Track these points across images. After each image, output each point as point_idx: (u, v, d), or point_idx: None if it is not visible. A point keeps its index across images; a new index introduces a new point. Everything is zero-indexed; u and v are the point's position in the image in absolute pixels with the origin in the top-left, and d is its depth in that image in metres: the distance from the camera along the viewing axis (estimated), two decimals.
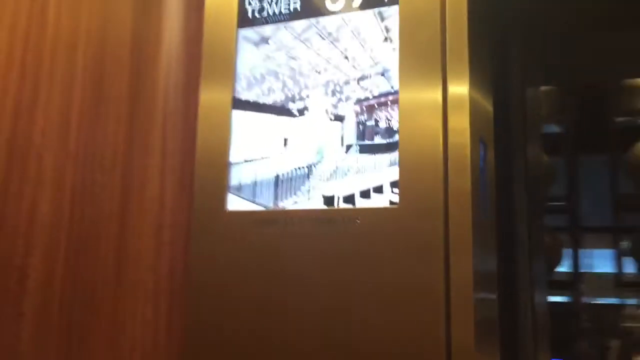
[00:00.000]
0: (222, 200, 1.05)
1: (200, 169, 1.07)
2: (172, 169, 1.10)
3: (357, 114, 0.99)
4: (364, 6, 1.01)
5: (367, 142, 0.97)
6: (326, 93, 1.01)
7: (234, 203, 1.04)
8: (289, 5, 1.07)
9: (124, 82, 1.13)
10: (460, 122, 0.91)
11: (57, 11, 1.18)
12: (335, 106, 1.01)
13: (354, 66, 1.00)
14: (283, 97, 1.05)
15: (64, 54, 1.17)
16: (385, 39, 0.98)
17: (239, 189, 1.05)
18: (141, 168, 1.10)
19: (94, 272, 1.08)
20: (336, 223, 0.96)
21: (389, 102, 0.96)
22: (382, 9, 0.99)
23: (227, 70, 1.09)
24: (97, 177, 1.11)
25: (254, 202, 1.03)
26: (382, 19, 0.99)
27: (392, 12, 0.98)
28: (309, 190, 1.00)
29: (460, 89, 0.91)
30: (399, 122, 0.94)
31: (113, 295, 1.06)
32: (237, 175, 1.05)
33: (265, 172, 1.04)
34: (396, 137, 0.94)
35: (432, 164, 0.91)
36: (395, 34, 0.97)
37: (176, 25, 1.14)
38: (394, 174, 0.93)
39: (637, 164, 2.28)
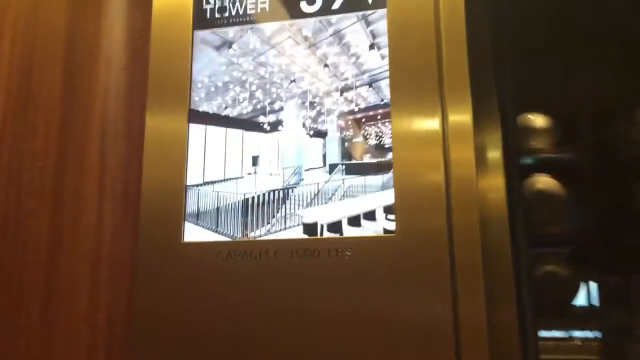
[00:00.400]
0: (178, 230, 0.88)
1: (149, 192, 0.89)
2: (112, 191, 0.91)
3: (341, 129, 0.86)
4: (345, 9, 0.89)
5: (354, 161, 0.85)
6: (303, 105, 0.88)
7: (192, 233, 0.87)
8: (255, 4, 0.93)
9: (56, 83, 0.93)
10: (464, 150, 0.80)
11: None
12: (314, 120, 0.87)
13: (335, 75, 0.88)
14: (251, 109, 0.90)
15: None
16: (372, 46, 0.87)
17: (198, 217, 0.88)
18: (74, 190, 0.90)
19: (16, 322, 0.86)
20: (320, 256, 0.82)
21: (378, 116, 0.85)
22: (367, 12, 0.88)
23: (182, 78, 0.93)
24: (24, 201, 0.90)
25: (217, 231, 0.87)
26: (368, 23, 0.88)
27: (379, 17, 0.87)
28: (285, 217, 0.85)
29: (461, 114, 0.81)
30: (393, 139, 0.83)
31: (40, 355, 0.84)
32: (196, 201, 0.88)
33: (231, 196, 0.88)
34: (389, 156, 0.82)
35: (433, 187, 0.80)
36: (383, 40, 0.86)
37: (118, 21, 0.97)
38: (388, 198, 0.81)
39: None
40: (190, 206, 0.88)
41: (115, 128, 0.93)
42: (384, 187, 0.82)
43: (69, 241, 0.89)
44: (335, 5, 0.90)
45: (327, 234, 0.83)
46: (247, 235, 0.85)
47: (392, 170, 0.82)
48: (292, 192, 0.86)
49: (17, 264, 0.88)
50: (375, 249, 0.80)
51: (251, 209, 0.87)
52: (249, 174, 0.88)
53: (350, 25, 0.88)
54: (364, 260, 0.80)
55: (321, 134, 0.87)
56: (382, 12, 0.87)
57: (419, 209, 0.80)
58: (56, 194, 0.91)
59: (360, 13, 0.88)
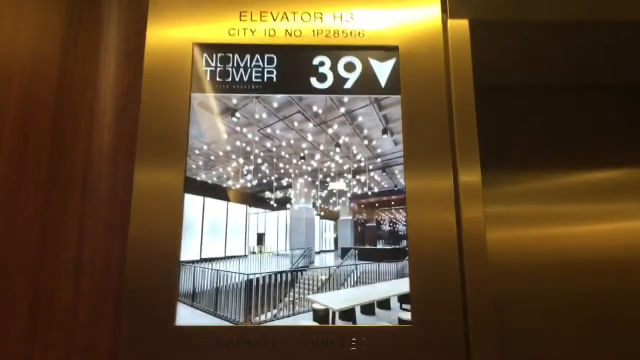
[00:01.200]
0: (169, 312, 0.79)
1: (135, 268, 0.80)
2: (91, 264, 0.80)
3: (353, 212, 0.84)
4: (357, 90, 0.89)
5: (367, 246, 0.83)
6: (313, 184, 0.85)
7: (186, 316, 0.79)
8: (262, 74, 0.90)
9: (46, 139, 0.81)
10: (479, 255, 0.83)
11: None
12: (325, 201, 0.85)
13: (347, 156, 0.87)
14: (256, 183, 0.85)
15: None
16: (385, 131, 0.87)
17: (193, 297, 0.80)
18: (51, 263, 0.78)
19: None
20: (334, 346, 0.78)
21: (392, 202, 0.84)
22: (380, 97, 0.88)
23: (177, 143, 0.86)
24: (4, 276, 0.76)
25: (215, 314, 0.80)
26: (380, 107, 0.88)
27: (392, 102, 0.88)
28: (294, 302, 0.81)
29: (476, 211, 0.84)
30: (408, 227, 0.82)
31: None
32: (191, 279, 0.81)
33: (233, 276, 0.81)
34: (403, 243, 0.82)
35: (450, 277, 0.80)
36: (396, 126, 0.87)
37: (106, 71, 0.87)
38: (403, 286, 0.80)
39: None
40: (184, 285, 0.80)
41: (97, 193, 0.82)
42: (398, 274, 0.81)
43: (43, 324, 0.76)
44: (347, 85, 0.89)
45: (339, 322, 0.79)
46: (250, 320, 0.79)
47: (407, 258, 0.81)
48: (302, 275, 0.82)
49: None
50: (392, 340, 0.78)
51: (255, 291, 0.81)
52: (253, 252, 0.83)
53: (363, 107, 0.88)
54: (380, 352, 0.78)
55: (333, 216, 0.84)
56: (395, 98, 0.88)
57: (436, 299, 0.79)
58: (36, 267, 0.78)
59: (373, 96, 0.89)
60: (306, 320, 0.80)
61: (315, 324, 0.79)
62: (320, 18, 0.92)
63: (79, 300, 0.79)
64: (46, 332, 0.77)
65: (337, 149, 0.87)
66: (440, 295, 0.80)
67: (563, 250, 1.14)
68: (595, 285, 1.12)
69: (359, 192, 0.85)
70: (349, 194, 0.85)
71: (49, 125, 0.84)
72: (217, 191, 0.85)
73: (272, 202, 0.85)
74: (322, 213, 0.84)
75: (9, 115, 0.82)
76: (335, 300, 0.80)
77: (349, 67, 0.90)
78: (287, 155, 0.86)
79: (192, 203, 0.83)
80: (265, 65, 0.90)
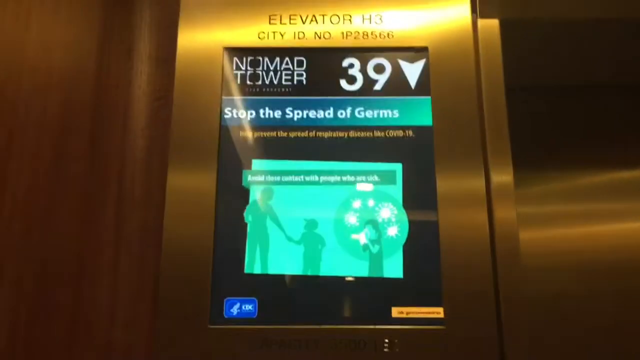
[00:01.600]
0: (204, 314, 0.80)
1: (169, 272, 0.81)
2: (127, 270, 0.82)
3: None
4: (387, 92, 0.89)
5: None
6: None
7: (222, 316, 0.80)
8: (291, 76, 0.90)
9: (83, 144, 0.83)
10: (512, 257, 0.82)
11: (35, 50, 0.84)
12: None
13: None
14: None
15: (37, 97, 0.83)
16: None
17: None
18: (91, 267, 0.80)
19: None
20: (366, 348, 0.78)
21: None
22: (409, 97, 0.88)
23: (209, 146, 0.87)
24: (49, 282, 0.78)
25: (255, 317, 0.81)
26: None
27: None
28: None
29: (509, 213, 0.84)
30: (440, 230, 0.82)
31: None
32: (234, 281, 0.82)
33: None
34: None
35: (483, 276, 0.80)
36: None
37: (138, 78, 0.89)
38: None
39: None
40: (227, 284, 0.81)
41: (132, 196, 0.84)
42: None
43: (83, 327, 0.78)
44: (377, 87, 0.90)
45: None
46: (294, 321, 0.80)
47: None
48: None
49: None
50: (425, 342, 0.78)
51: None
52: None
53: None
54: (413, 354, 0.78)
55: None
56: (426, 99, 0.88)
57: (469, 300, 0.79)
58: (75, 272, 0.80)
59: (403, 98, 0.89)
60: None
61: (348, 326, 0.80)
62: (349, 20, 0.92)
63: (116, 304, 0.81)
64: (85, 335, 0.79)
65: None
66: (473, 297, 0.80)
67: (596, 249, 1.13)
68: (626, 284, 1.11)
69: None
70: None
71: (86, 132, 0.85)
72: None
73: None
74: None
75: (48, 123, 0.84)
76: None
77: (379, 69, 0.90)
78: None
79: None
80: (295, 68, 0.90)
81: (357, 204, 0.84)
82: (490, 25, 0.90)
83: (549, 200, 1.16)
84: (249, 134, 0.88)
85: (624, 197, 1.16)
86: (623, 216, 1.15)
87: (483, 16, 0.91)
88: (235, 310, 0.80)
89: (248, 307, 0.80)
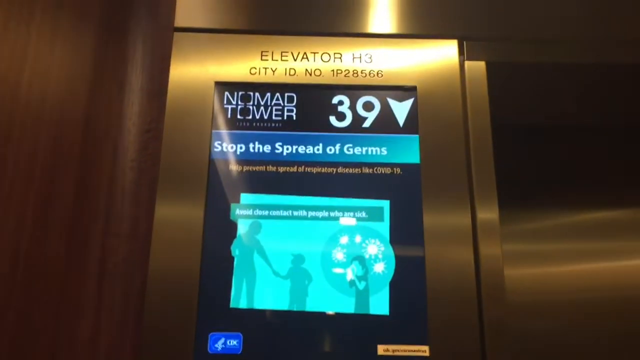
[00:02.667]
0: (188, 349, 0.79)
1: (154, 305, 0.80)
2: (110, 302, 0.81)
3: None
4: (376, 129, 0.90)
5: None
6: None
7: (206, 352, 0.79)
8: (282, 112, 0.91)
9: (72, 175, 0.83)
10: (495, 280, 0.83)
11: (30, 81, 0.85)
12: None
13: None
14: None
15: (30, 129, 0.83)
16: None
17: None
18: (74, 299, 0.79)
19: None
20: None
21: None
22: (398, 135, 0.89)
23: (198, 179, 0.87)
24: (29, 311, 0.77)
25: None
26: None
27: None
28: None
29: (492, 243, 0.85)
30: (427, 266, 0.83)
31: None
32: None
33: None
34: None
35: (468, 312, 0.80)
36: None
37: (130, 109, 0.89)
38: None
39: None
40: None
41: (119, 228, 0.83)
42: None
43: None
44: (366, 124, 0.91)
45: None
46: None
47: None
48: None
49: None
50: None
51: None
52: None
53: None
54: None
55: None
56: (413, 138, 0.89)
57: (454, 335, 0.80)
58: (58, 303, 0.79)
59: (391, 135, 0.90)
60: None
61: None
62: (340, 58, 0.94)
63: (98, 337, 0.80)
64: None
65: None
66: (458, 335, 0.80)
67: (580, 288, 1.14)
68: (616, 324, 1.11)
69: None
70: None
71: (75, 163, 0.85)
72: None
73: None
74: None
75: (39, 154, 0.84)
76: None
77: (368, 107, 0.91)
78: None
79: None
80: (286, 104, 0.92)
81: (344, 239, 0.85)
82: (477, 66, 0.93)
83: (534, 238, 1.17)
84: (238, 167, 0.88)
85: (609, 236, 1.17)
86: (609, 255, 1.16)
87: (470, 58, 0.93)
88: (219, 345, 0.79)
89: (233, 342, 0.80)
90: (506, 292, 0.82)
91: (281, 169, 0.88)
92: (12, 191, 0.80)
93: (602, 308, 1.12)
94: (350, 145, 0.90)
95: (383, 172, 0.88)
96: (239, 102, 0.92)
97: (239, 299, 0.82)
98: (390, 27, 0.96)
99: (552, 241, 1.17)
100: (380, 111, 0.91)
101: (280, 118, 0.91)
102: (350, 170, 0.88)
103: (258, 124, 0.91)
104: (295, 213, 0.86)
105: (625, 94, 1.06)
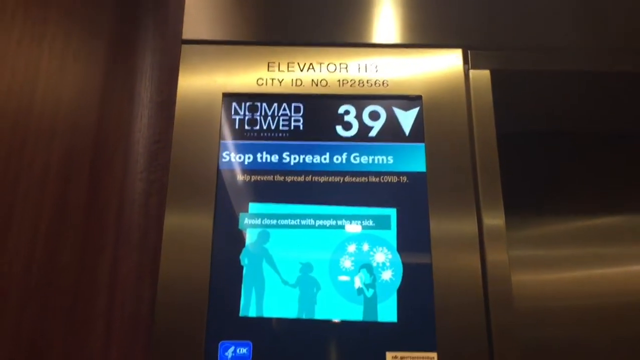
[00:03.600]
0: (199, 356, 0.80)
1: (164, 314, 0.81)
2: (121, 311, 0.82)
3: None
4: (382, 137, 0.91)
5: None
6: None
7: None
8: (288, 122, 0.92)
9: (84, 186, 0.85)
10: (502, 286, 0.83)
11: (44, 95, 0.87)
12: None
13: None
14: None
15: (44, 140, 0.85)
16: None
17: None
18: (85, 310, 0.80)
19: None
20: None
21: None
22: (404, 144, 0.90)
23: (206, 189, 0.88)
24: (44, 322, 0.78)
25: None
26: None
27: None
28: None
29: (498, 250, 0.85)
30: (434, 273, 0.84)
31: None
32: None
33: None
34: None
35: (476, 319, 0.81)
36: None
37: (139, 121, 0.91)
38: None
39: None
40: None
41: (129, 238, 0.85)
42: None
43: None
44: (372, 133, 0.92)
45: None
46: None
47: None
48: None
49: None
50: None
51: None
52: None
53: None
54: None
55: None
56: (419, 146, 0.90)
57: (462, 343, 0.80)
58: (70, 313, 0.80)
59: (397, 144, 0.91)
60: None
61: None
62: (346, 68, 0.95)
63: (110, 346, 0.81)
64: None
65: None
66: (466, 341, 0.81)
67: (588, 294, 1.14)
68: (625, 329, 1.11)
69: None
70: None
71: (87, 175, 0.87)
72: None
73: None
74: None
75: (52, 165, 0.85)
76: None
77: (374, 116, 0.92)
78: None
79: None
80: (292, 114, 0.93)
81: (351, 248, 0.86)
82: (482, 75, 0.94)
83: (541, 244, 1.17)
84: (246, 177, 0.89)
85: (616, 241, 1.18)
86: (616, 260, 1.16)
87: (475, 67, 0.94)
88: (229, 353, 0.80)
89: (242, 350, 0.81)
90: (514, 298, 0.83)
91: (289, 179, 0.89)
92: (27, 201, 0.82)
93: (610, 314, 1.12)
94: (357, 154, 0.90)
95: (389, 180, 0.89)
96: (247, 113, 0.93)
97: (249, 308, 0.82)
98: (395, 37, 0.97)
99: (558, 247, 1.17)
100: (386, 120, 0.92)
101: (287, 128, 0.92)
102: (357, 179, 0.89)
103: (265, 134, 0.92)
104: (303, 222, 0.87)
105: (628, 101, 1.06)
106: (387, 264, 0.85)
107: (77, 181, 0.86)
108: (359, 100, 0.93)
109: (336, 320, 0.82)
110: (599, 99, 1.05)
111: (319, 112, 0.93)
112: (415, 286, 0.84)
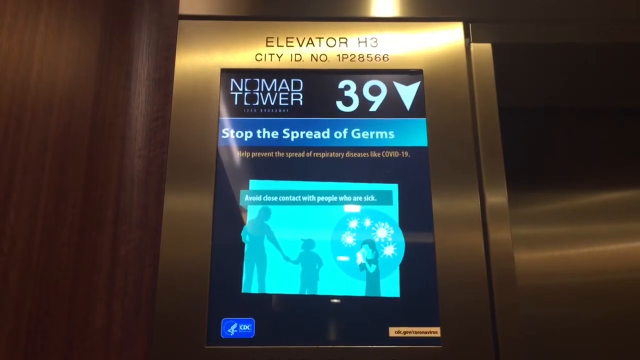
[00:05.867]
0: (201, 335, 0.80)
1: (166, 292, 0.81)
2: (122, 290, 0.81)
3: None
4: (382, 113, 0.90)
5: None
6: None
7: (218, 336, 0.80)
8: (288, 98, 0.91)
9: (80, 168, 0.84)
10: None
11: (40, 71, 0.85)
12: None
13: None
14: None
15: (40, 117, 0.84)
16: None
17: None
18: (85, 289, 0.80)
19: None
20: None
21: None
22: (405, 119, 0.90)
23: (206, 167, 0.87)
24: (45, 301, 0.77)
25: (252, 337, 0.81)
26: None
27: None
28: None
29: (501, 228, 0.85)
30: (437, 252, 0.83)
31: None
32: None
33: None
34: None
35: (479, 297, 0.81)
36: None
37: (137, 98, 0.89)
38: None
39: None
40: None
41: (129, 216, 0.84)
42: None
43: (78, 348, 0.77)
44: (373, 108, 0.91)
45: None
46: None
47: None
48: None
49: None
50: None
51: None
52: None
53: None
54: None
55: None
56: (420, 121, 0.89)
57: (465, 321, 0.80)
58: (72, 292, 0.79)
59: (398, 119, 0.90)
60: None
61: (346, 346, 0.80)
62: (345, 43, 0.94)
63: (111, 325, 0.80)
64: (81, 356, 0.78)
65: None
66: (469, 317, 0.80)
67: (592, 270, 1.14)
68: (629, 306, 1.11)
69: None
70: None
71: (84, 152, 0.86)
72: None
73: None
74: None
75: (49, 142, 0.84)
76: None
77: (374, 91, 0.91)
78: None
79: None
80: (292, 90, 0.92)
81: (353, 223, 0.85)
82: (483, 49, 0.92)
83: (544, 221, 1.17)
84: (245, 154, 0.88)
85: (619, 217, 1.17)
86: (619, 237, 1.16)
87: (476, 40, 0.93)
88: (232, 330, 0.80)
89: (245, 327, 0.80)
90: (517, 275, 0.83)
91: (289, 155, 0.89)
92: (25, 178, 0.81)
93: (612, 290, 1.12)
94: (358, 129, 0.90)
95: (391, 155, 0.88)
96: (246, 89, 0.92)
97: (251, 285, 0.82)
98: (395, 10, 0.96)
99: (562, 224, 1.17)
100: (386, 95, 0.91)
101: (287, 104, 0.91)
102: (358, 155, 0.88)
103: (265, 110, 0.91)
104: (304, 198, 0.86)
105: (633, 74, 1.05)
106: (390, 239, 0.84)
107: (75, 159, 0.85)
108: (359, 75, 0.92)
109: (339, 296, 0.82)
110: (606, 71, 1.04)
111: (319, 87, 0.92)
112: (417, 262, 0.83)
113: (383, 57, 0.93)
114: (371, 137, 0.89)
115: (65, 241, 0.81)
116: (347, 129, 0.90)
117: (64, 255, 0.81)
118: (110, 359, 0.79)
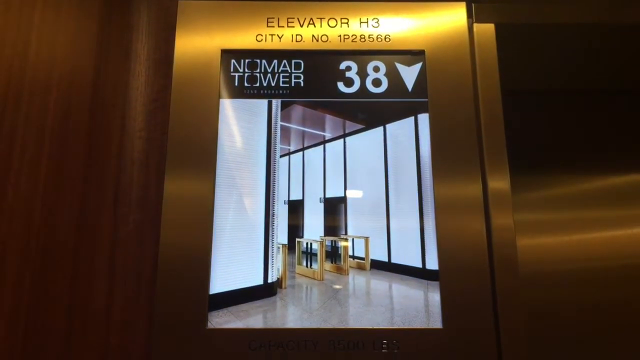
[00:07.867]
0: (201, 316, 0.80)
1: (166, 273, 0.81)
2: (123, 270, 0.81)
3: None
4: (384, 94, 0.90)
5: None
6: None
7: (219, 318, 0.80)
8: (289, 79, 0.91)
9: (81, 144, 0.83)
10: (507, 250, 0.83)
11: (37, 49, 0.84)
12: None
13: None
14: None
15: (39, 96, 0.83)
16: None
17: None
18: (86, 269, 0.80)
19: None
20: (364, 348, 0.78)
21: None
22: (407, 100, 0.89)
23: (207, 147, 0.87)
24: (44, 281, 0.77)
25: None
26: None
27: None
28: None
29: (504, 213, 0.84)
30: (438, 236, 0.83)
31: None
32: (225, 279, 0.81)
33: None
34: None
35: (481, 281, 0.81)
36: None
37: (136, 79, 0.89)
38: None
39: None
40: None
41: (129, 197, 0.83)
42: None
43: (78, 328, 0.77)
44: (374, 90, 0.90)
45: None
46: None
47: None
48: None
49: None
50: (423, 343, 0.78)
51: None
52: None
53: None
54: (411, 355, 0.78)
55: None
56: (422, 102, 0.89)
57: (467, 305, 0.80)
58: (72, 272, 0.79)
59: (400, 100, 0.89)
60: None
61: (347, 326, 0.80)
62: (347, 23, 0.93)
63: (112, 305, 0.80)
64: (81, 335, 0.78)
65: None
66: (471, 301, 0.80)
67: (595, 256, 1.14)
68: (628, 292, 1.11)
69: None
70: None
71: (84, 133, 0.85)
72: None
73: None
74: None
75: (48, 122, 0.84)
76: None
77: (376, 72, 0.90)
78: None
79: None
80: (293, 71, 0.91)
81: None
82: (486, 29, 0.91)
83: (547, 206, 1.16)
84: None
85: (624, 203, 1.17)
86: (623, 222, 1.16)
87: (479, 21, 0.92)
88: None
89: None
90: (519, 260, 0.82)
91: None
92: (24, 157, 0.80)
93: (614, 276, 1.12)
94: (359, 111, 0.89)
95: None
96: (246, 70, 0.91)
97: None
98: None
99: (564, 209, 1.16)
100: (388, 76, 0.90)
101: (287, 85, 0.91)
102: None
103: (266, 91, 0.90)
104: None
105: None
106: None
107: (74, 138, 0.85)
108: (361, 56, 0.91)
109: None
110: (610, 53, 1.03)
111: (320, 68, 0.91)
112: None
113: (385, 38, 0.92)
114: None
115: (65, 222, 0.81)
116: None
117: (63, 236, 0.80)
118: (111, 340, 0.79)
